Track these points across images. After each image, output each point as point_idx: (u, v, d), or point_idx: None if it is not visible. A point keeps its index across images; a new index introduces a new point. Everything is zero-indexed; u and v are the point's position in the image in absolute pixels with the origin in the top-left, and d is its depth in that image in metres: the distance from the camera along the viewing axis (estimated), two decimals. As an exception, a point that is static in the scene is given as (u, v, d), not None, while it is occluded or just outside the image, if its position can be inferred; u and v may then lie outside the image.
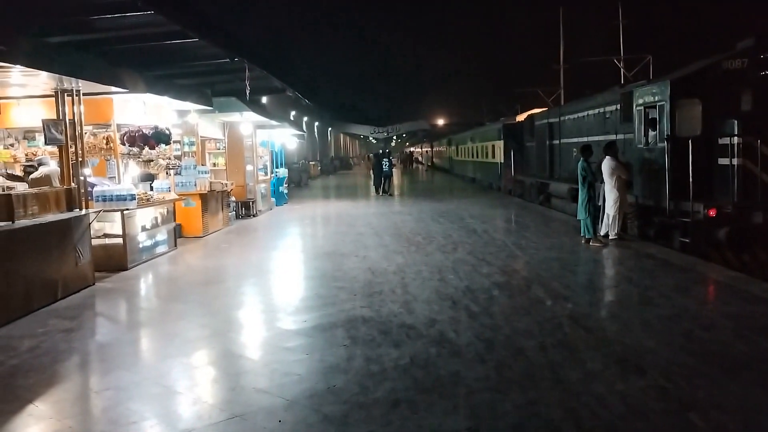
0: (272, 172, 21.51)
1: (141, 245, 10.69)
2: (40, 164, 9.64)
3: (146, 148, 11.05)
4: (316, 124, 49.98)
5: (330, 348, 5.84)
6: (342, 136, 73.22)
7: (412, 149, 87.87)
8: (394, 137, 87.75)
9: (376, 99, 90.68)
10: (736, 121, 10.16)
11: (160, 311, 7.84)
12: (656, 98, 11.51)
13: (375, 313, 7.04)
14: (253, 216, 18.13)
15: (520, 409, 4.39)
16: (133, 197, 9.94)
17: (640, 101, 12.15)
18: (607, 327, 6.37)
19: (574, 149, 16.83)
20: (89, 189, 9.60)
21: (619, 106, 13.40)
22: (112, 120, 10.25)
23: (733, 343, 5.72)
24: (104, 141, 10.26)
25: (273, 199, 21.01)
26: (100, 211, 9.38)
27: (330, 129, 60.33)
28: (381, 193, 25.07)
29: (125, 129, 10.60)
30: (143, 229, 10.79)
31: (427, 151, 72.20)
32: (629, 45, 26.70)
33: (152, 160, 11.28)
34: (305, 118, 43.75)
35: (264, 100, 24.43)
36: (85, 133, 10.27)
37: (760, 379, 4.87)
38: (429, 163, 60.64)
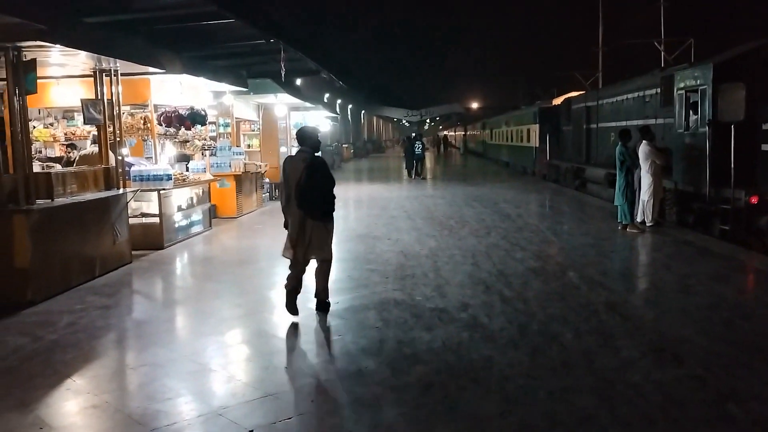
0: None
1: (177, 225, 10.84)
2: (93, 142, 9.83)
3: (182, 129, 11.15)
4: (350, 106, 49.92)
5: (362, 330, 5.85)
6: (375, 119, 73.05)
7: (445, 133, 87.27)
8: (427, 121, 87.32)
9: (411, 82, 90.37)
10: (781, 106, 9.82)
11: (195, 290, 7.95)
12: (698, 82, 11.18)
13: (407, 296, 7.02)
14: (286, 198, 18.20)
15: (553, 395, 4.34)
16: (169, 177, 10.06)
17: (681, 85, 11.82)
18: (643, 314, 6.26)
19: (612, 134, 16.50)
20: (127, 169, 9.74)
21: (659, 90, 13.07)
22: (150, 100, 10.36)
23: (775, 334, 5.57)
24: (142, 121, 10.38)
25: (306, 181, 21.07)
26: (137, 191, 9.53)
27: (363, 112, 60.24)
28: (413, 177, 24.98)
29: (162, 109, 10.71)
30: (179, 208, 10.93)
31: (461, 135, 71.69)
32: (670, 28, 26.01)
33: (188, 141, 11.40)
34: (339, 101, 43.72)
35: (298, 82, 24.50)
36: (123, 114, 10.43)
37: (804, 372, 4.73)
38: (462, 147, 60.19)
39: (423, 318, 6.19)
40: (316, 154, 6.23)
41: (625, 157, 11.10)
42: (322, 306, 6.40)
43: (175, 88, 10.89)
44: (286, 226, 6.35)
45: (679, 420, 3.95)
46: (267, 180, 16.62)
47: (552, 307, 6.51)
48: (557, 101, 25.08)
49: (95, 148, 9.80)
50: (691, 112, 11.45)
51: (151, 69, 9.58)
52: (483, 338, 5.55)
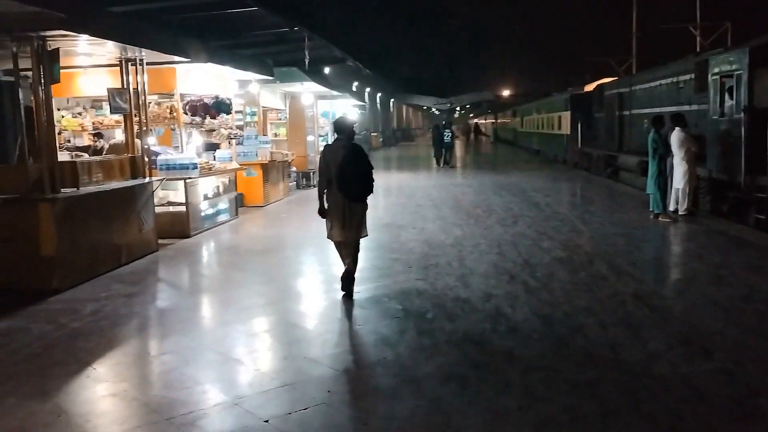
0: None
1: (203, 213, 10.91)
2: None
3: (208, 118, 11.19)
4: (379, 95, 49.69)
5: (383, 320, 5.79)
6: (404, 107, 72.70)
7: (475, 121, 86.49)
8: (457, 109, 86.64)
9: (441, 70, 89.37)
10: (820, 92, 9.46)
11: (219, 278, 7.98)
12: (733, 67, 10.82)
13: (430, 285, 6.94)
14: (314, 186, 18.21)
15: (575, 389, 4.22)
16: (195, 166, 10.10)
17: (716, 70, 11.46)
18: (672, 306, 6.08)
19: (645, 120, 16.12)
20: (153, 158, 9.80)
21: (693, 76, 12.71)
22: (176, 89, 10.40)
23: (811, 328, 5.35)
24: (168, 110, 10.43)
25: (334, 170, 21.06)
26: (163, 180, 9.59)
27: (392, 100, 59.97)
28: (442, 165, 24.79)
29: (188, 99, 10.74)
30: (205, 197, 10.99)
31: (491, 123, 71.02)
32: (707, 12, 25.24)
33: (214, 130, 11.42)
34: (367, 89, 43.55)
35: (327, 71, 24.45)
36: (150, 103, 10.49)
37: (841, 367, 4.53)
38: (493, 136, 59.58)
39: (445, 308, 6.10)
40: (353, 141, 6.63)
41: (657, 145, 10.81)
42: (348, 288, 6.59)
43: (200, 78, 10.92)
44: (320, 212, 6.63)
45: (707, 416, 3.80)
46: (294, 169, 16.64)
47: (578, 297, 6.36)
48: (589, 88, 24.60)
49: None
50: (726, 98, 11.10)
51: (176, 58, 9.60)
52: (505, 329, 5.45)
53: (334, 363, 4.73)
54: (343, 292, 6.52)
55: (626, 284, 6.83)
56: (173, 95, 10.46)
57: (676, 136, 10.87)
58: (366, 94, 42.98)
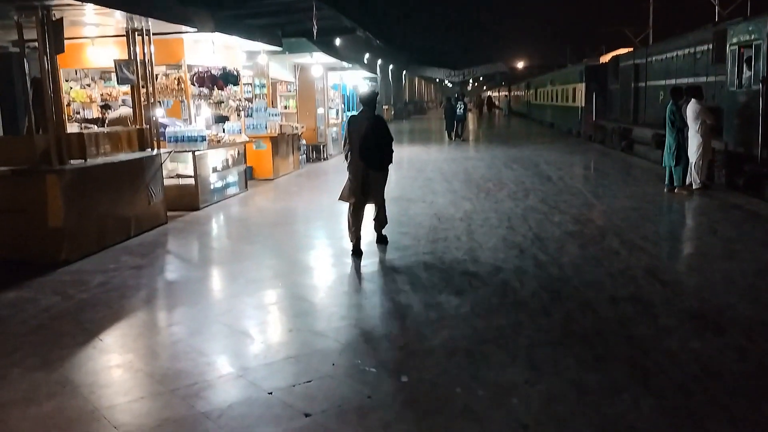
0: (344, 116, 21.43)
1: (212, 186, 10.87)
2: (123, 104, 9.86)
3: (216, 90, 11.09)
4: (391, 67, 49.18)
5: (389, 293, 5.75)
6: (417, 79, 71.94)
7: (488, 93, 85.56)
8: (470, 81, 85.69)
9: (454, 41, 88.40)
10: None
11: (227, 251, 7.96)
12: (752, 37, 10.54)
13: (438, 259, 6.88)
14: (324, 160, 18.17)
15: (583, 364, 4.17)
16: (203, 138, 10.05)
17: (734, 40, 11.17)
18: (684, 281, 5.99)
19: (661, 92, 15.84)
20: (161, 130, 9.75)
21: (710, 46, 12.41)
22: (183, 60, 10.30)
23: (826, 304, 5.25)
24: (176, 82, 10.35)
25: (344, 143, 20.94)
26: (171, 152, 9.55)
27: (405, 72, 59.36)
28: (454, 138, 24.58)
29: (195, 70, 10.64)
30: (214, 170, 10.95)
31: (505, 95, 70.23)
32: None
33: (223, 102, 11.32)
34: (379, 61, 43.11)
35: (337, 42, 24.17)
36: (158, 74, 10.41)
37: None
38: (506, 108, 58.93)
39: (453, 282, 6.04)
40: (376, 114, 7.25)
41: (675, 117, 10.60)
42: (382, 239, 7.57)
43: (208, 48, 10.80)
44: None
45: (716, 393, 3.73)
46: (304, 142, 16.53)
47: (588, 272, 6.28)
48: (605, 59, 24.19)
49: (125, 110, 9.81)
50: (744, 68, 10.84)
51: (183, 28, 9.50)
52: (513, 304, 5.39)
53: (339, 336, 4.69)
54: (354, 255, 7.03)
55: (638, 259, 6.73)
56: (181, 66, 10.36)
57: (691, 108, 10.64)
58: (378, 66, 42.55)
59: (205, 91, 10.60)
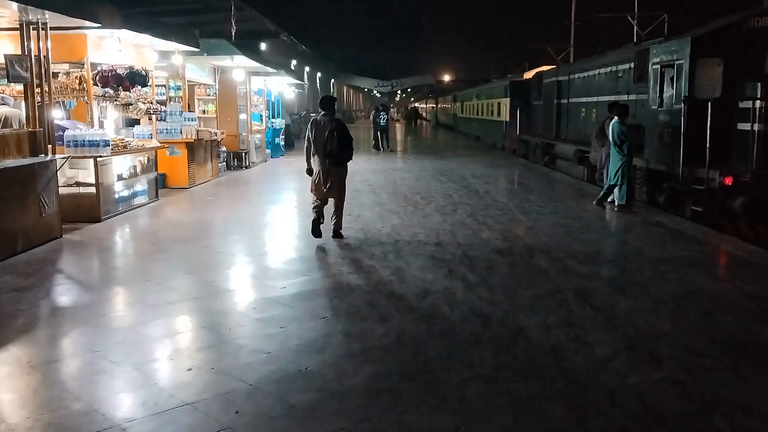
0: (269, 123, 20.69)
1: (117, 195, 10.01)
2: (3, 102, 8.87)
3: (122, 91, 10.23)
4: (319, 75, 48.58)
5: (308, 321, 5.21)
6: (346, 88, 71.57)
7: (416, 105, 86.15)
8: (399, 91, 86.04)
9: (383, 52, 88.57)
10: (759, 84, 9.37)
11: (126, 270, 7.18)
12: (675, 56, 10.67)
13: (363, 280, 6.40)
14: (246, 168, 17.40)
15: (518, 404, 3.78)
16: (106, 143, 9.20)
17: (657, 60, 11.31)
18: (616, 304, 5.74)
19: (583, 109, 16.01)
20: (59, 133, 8.86)
21: (632, 65, 12.56)
22: (86, 58, 9.42)
23: (758, 330, 5.09)
24: (77, 81, 9.45)
25: (268, 151, 20.24)
26: (68, 158, 8.67)
27: (333, 81, 58.86)
28: (382, 149, 24.22)
29: (98, 69, 9.76)
30: (120, 178, 10.10)
31: (432, 107, 70.85)
32: (644, 2, 25.47)
33: (131, 104, 10.46)
34: (307, 68, 42.46)
35: (263, 47, 23.43)
36: (58, 72, 9.51)
37: (794, 376, 4.25)
38: (434, 120, 59.36)
39: (378, 307, 5.58)
40: (335, 117, 8.17)
41: (625, 137, 10.42)
42: (338, 235, 8.28)
43: (116, 46, 9.94)
44: (308, 171, 8.21)
45: (662, 438, 3.41)
46: (224, 149, 15.73)
47: (518, 294, 5.96)
48: (528, 75, 24.50)
49: (7, 110, 8.82)
50: (665, 88, 10.96)
51: (86, 23, 8.66)
52: (442, 332, 4.97)
53: (247, 375, 4.12)
54: (312, 233, 8.03)
55: (567, 279, 6.47)
56: (84, 64, 9.48)
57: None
58: (305, 74, 41.91)
59: (111, 92, 9.73)
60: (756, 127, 9.37)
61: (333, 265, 7.04)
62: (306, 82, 41.54)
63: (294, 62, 35.16)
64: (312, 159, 8.09)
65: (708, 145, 9.58)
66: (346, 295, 5.92)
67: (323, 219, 8.15)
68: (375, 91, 75.21)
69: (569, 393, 3.93)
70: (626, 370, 4.29)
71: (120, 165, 10.13)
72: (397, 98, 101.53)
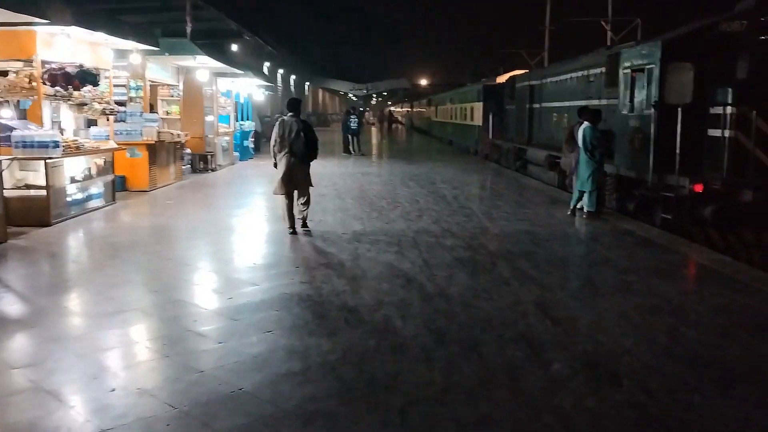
0: (238, 125, 20.29)
1: (70, 198, 9.60)
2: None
3: (80, 90, 9.81)
4: (293, 77, 48.19)
5: (251, 335, 4.89)
6: (321, 91, 71.16)
7: (391, 108, 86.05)
8: (374, 95, 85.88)
9: (359, 55, 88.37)
10: (730, 90, 9.26)
11: (68, 277, 6.78)
12: (645, 61, 10.53)
13: (315, 290, 6.10)
14: (212, 171, 16.99)
15: (464, 430, 3.50)
16: (57, 144, 8.78)
17: (627, 64, 11.18)
18: (578, 318, 5.50)
19: (554, 114, 15.89)
20: (5, 133, 8.43)
21: (604, 70, 12.43)
22: (36, 56, 9.00)
23: (724, 346, 4.88)
24: (27, 79, 9.01)
25: (236, 154, 19.83)
26: (13, 159, 8.24)
27: (308, 84, 58.43)
28: (353, 152, 23.89)
29: (48, 67, 9.33)
30: (73, 180, 9.68)
31: (407, 111, 70.76)
32: (619, 7, 25.55)
33: (86, 104, 10.03)
34: (280, 71, 42.06)
35: (234, 48, 23.03)
36: (6, 71, 9.09)
37: (759, 396, 4.03)
38: (408, 124, 59.23)
39: (327, 319, 5.28)
40: (301, 117, 8.76)
41: (599, 143, 10.18)
42: (305, 226, 8.82)
43: (69, 44, 9.52)
44: (276, 166, 8.67)
45: (616, 469, 3.16)
46: (188, 151, 15.31)
47: (476, 306, 5.70)
48: (502, 79, 24.40)
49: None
50: (636, 92, 10.82)
51: (36, 19, 8.28)
52: (392, 347, 4.68)
53: (174, 397, 3.79)
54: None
55: (529, 290, 6.23)
56: (33, 62, 9.05)
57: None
58: (278, 76, 41.48)
59: (62, 91, 9.31)
60: (727, 133, 9.26)
61: (286, 274, 6.72)
62: (279, 85, 41.16)
63: (267, 64, 34.75)
64: (278, 156, 8.55)
65: (678, 151, 9.44)
66: (295, 306, 5.61)
67: (288, 217, 8.70)
68: (350, 95, 74.95)
69: (520, 418, 3.67)
70: (584, 391, 4.04)
71: (73, 167, 9.71)
72: (373, 102, 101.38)
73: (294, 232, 8.61)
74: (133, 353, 4.60)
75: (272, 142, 8.69)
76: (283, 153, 8.48)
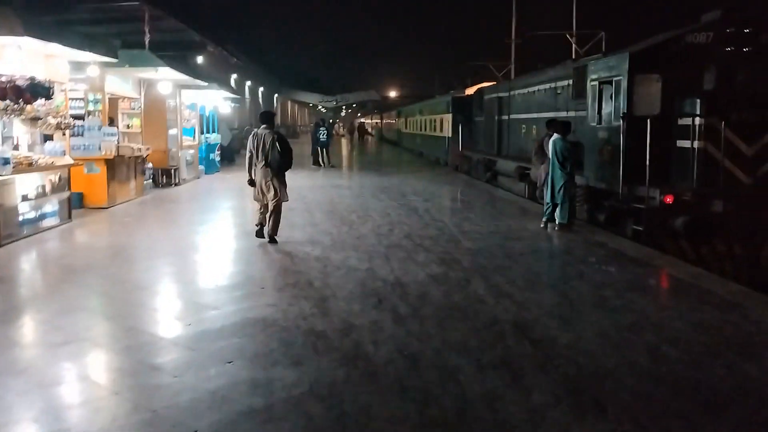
0: (203, 138, 19.81)
1: (21, 218, 9.10)
2: None
3: (32, 104, 9.33)
4: (261, 89, 47.73)
5: (209, 367, 4.53)
6: (290, 103, 70.65)
7: (361, 120, 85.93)
8: (344, 107, 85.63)
9: (328, 67, 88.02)
10: (698, 101, 9.24)
11: (13, 304, 6.27)
12: (613, 73, 10.49)
13: (281, 314, 5.77)
14: (175, 185, 16.50)
15: (442, 471, 3.22)
16: (6, 161, 8.34)
17: (595, 76, 11.13)
18: (556, 338, 5.26)
19: (523, 126, 15.82)
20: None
21: (571, 81, 12.37)
22: (-17, 67, 8.54)
23: (708, 366, 4.68)
24: (-27, 93, 8.54)
25: (201, 167, 19.35)
26: (-43, 177, 7.77)
27: (276, 95, 57.95)
28: (322, 165, 23.55)
29: (-4, 79, 8.86)
30: (25, 198, 9.19)
31: (377, 123, 70.67)
32: (583, 21, 25.79)
33: (40, 119, 9.56)
34: (248, 83, 41.61)
35: (200, 60, 22.60)
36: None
37: (747, 422, 3.84)
38: (378, 136, 59.12)
39: (294, 347, 4.96)
40: (275, 129, 8.95)
41: (569, 154, 10.04)
42: (272, 240, 8.84)
43: (20, 55, 9.05)
44: (250, 182, 8.89)
45: None
46: (150, 165, 14.82)
47: (452, 328, 5.44)
48: (470, 91, 24.39)
49: None
50: (604, 104, 10.76)
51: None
52: (363, 377, 4.38)
53: (123, 441, 3.44)
54: (257, 236, 8.98)
55: (506, 309, 6.00)
56: (-19, 74, 8.59)
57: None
58: (246, 88, 41.03)
59: (11, 104, 8.82)
60: (696, 144, 9.22)
61: (250, 295, 6.38)
62: (248, 97, 40.71)
63: (234, 76, 34.30)
64: (253, 169, 8.71)
65: (648, 162, 9.36)
66: (259, 333, 5.27)
67: (266, 223, 8.86)
68: (320, 107, 74.59)
69: (502, 454, 3.40)
70: (567, 421, 3.80)
71: (25, 184, 9.22)
72: (343, 113, 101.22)
73: (261, 235, 8.89)
74: (80, 390, 4.21)
75: (248, 155, 8.85)
76: (260, 165, 8.63)
